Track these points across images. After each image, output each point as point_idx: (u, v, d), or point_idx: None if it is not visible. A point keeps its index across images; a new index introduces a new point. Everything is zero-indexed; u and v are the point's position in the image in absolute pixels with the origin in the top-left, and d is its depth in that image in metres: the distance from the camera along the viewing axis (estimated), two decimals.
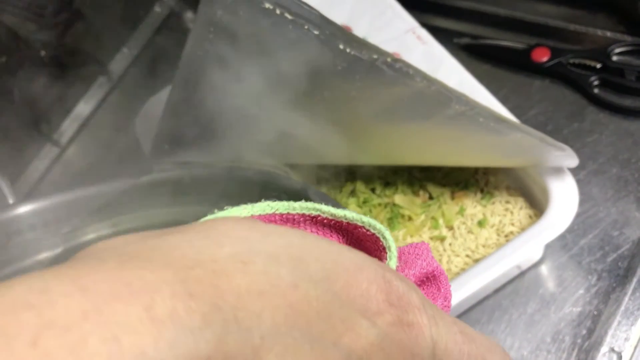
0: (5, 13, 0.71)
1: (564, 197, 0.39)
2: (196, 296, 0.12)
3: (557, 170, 0.40)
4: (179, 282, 0.12)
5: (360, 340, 0.14)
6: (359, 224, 0.19)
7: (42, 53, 0.73)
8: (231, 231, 0.15)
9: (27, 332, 0.10)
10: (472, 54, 0.55)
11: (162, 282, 0.12)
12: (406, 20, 0.49)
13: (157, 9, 0.76)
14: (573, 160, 0.38)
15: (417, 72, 0.34)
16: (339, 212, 0.19)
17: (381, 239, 0.19)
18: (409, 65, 0.33)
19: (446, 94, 0.34)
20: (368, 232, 0.19)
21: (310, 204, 0.19)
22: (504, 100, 0.51)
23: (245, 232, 0.15)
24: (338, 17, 0.52)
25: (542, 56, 0.51)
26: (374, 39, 0.50)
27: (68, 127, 0.71)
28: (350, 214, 0.19)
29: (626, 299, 0.41)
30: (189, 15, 0.76)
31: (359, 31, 0.51)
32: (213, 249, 0.14)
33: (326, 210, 0.19)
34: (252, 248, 0.14)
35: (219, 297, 0.12)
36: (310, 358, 0.13)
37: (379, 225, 0.19)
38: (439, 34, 0.52)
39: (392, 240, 0.19)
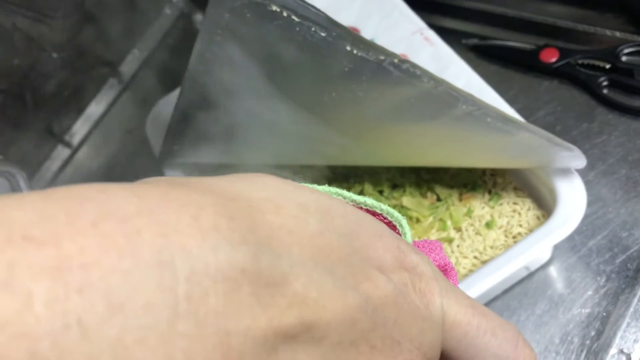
0: (18, 15, 0.72)
1: (572, 198, 0.39)
2: (236, 219, 0.13)
3: (565, 171, 0.40)
4: (221, 205, 0.13)
5: (378, 290, 0.15)
6: (378, 211, 0.20)
7: (54, 55, 0.74)
8: (267, 181, 0.16)
9: (89, 216, 0.12)
10: (480, 54, 0.55)
11: (206, 202, 0.13)
12: (414, 21, 0.49)
13: (167, 11, 0.77)
14: (581, 161, 0.38)
15: (424, 72, 0.34)
16: (360, 199, 0.20)
17: (398, 227, 0.20)
18: (415, 66, 0.34)
19: (453, 94, 0.34)
20: (385, 220, 0.20)
21: (333, 189, 0.20)
22: (512, 101, 0.51)
23: (279, 183, 0.16)
24: (345, 19, 0.52)
25: (550, 57, 0.51)
26: (382, 41, 0.50)
27: (79, 128, 0.72)
28: (370, 200, 0.20)
29: (635, 300, 0.41)
30: (198, 17, 0.76)
31: (367, 33, 0.51)
32: (250, 191, 0.15)
33: (348, 195, 0.20)
34: (285, 196, 0.15)
35: (255, 226, 0.14)
36: (332, 293, 0.14)
37: (396, 214, 0.20)
38: (447, 34, 0.52)
39: (408, 228, 0.20)
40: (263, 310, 0.13)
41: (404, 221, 0.20)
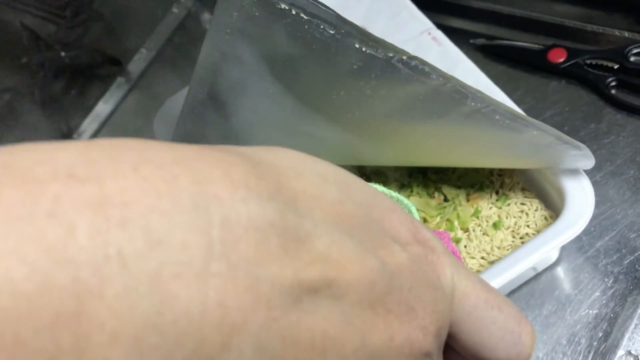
0: (26, 14, 0.72)
1: (580, 199, 0.38)
2: (263, 179, 0.14)
3: (573, 172, 0.40)
4: (250, 166, 0.14)
5: (394, 258, 0.16)
6: (388, 197, 0.20)
7: (62, 54, 0.74)
8: (289, 152, 0.17)
9: (129, 161, 0.12)
10: (488, 54, 0.55)
11: (236, 161, 0.14)
12: (422, 21, 0.49)
13: (174, 9, 0.77)
14: (589, 161, 0.38)
15: (433, 69, 0.34)
16: (372, 185, 0.20)
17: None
18: (424, 63, 0.34)
19: (462, 91, 0.34)
20: None
21: None
22: (519, 101, 0.51)
23: (300, 155, 0.17)
24: (353, 18, 0.52)
25: (558, 57, 0.51)
26: (389, 41, 0.50)
27: (87, 127, 0.72)
28: (380, 187, 0.20)
29: None
30: (206, 16, 0.77)
31: (374, 32, 0.51)
32: (273, 159, 0.15)
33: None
34: (306, 166, 0.16)
35: (280, 187, 0.14)
36: (352, 255, 0.14)
37: (406, 201, 0.20)
38: (454, 34, 0.52)
39: (417, 215, 0.20)
40: (289, 262, 0.13)
41: (413, 208, 0.20)
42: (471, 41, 0.55)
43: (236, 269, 0.12)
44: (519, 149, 0.38)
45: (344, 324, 0.14)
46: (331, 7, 0.53)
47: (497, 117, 0.35)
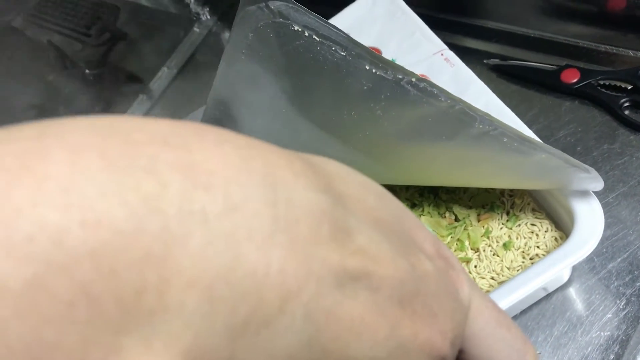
0: (54, 33, 0.74)
1: (590, 221, 0.39)
2: (318, 174, 0.15)
3: (583, 193, 0.40)
4: (306, 163, 0.15)
5: (422, 264, 0.17)
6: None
7: (87, 71, 0.76)
8: (333, 161, 0.18)
9: (212, 138, 0.14)
10: (501, 74, 0.55)
11: (295, 156, 0.15)
12: (434, 42, 0.50)
13: (196, 29, 0.79)
14: (598, 184, 0.38)
15: (442, 91, 0.34)
16: None
17: None
18: (433, 85, 0.34)
19: (470, 114, 0.34)
20: None
21: None
22: (532, 121, 0.51)
23: (342, 165, 0.18)
24: (367, 39, 0.53)
25: (571, 77, 0.51)
26: (402, 61, 0.51)
27: None
28: None
29: None
30: (226, 35, 0.78)
31: (388, 53, 0.52)
32: (321, 163, 0.17)
33: None
34: (349, 174, 0.18)
35: (331, 184, 0.16)
36: (387, 254, 0.16)
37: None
38: (469, 54, 0.52)
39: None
40: (337, 248, 0.14)
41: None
42: (485, 61, 0.56)
43: (295, 244, 0.14)
44: (527, 171, 0.38)
45: (378, 313, 0.15)
46: (346, 26, 0.54)
47: (505, 139, 0.35)
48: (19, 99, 0.70)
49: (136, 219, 0.12)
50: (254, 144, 0.15)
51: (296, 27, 0.36)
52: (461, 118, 0.35)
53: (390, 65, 0.35)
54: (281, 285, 0.13)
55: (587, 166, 0.37)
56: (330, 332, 0.14)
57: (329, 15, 0.54)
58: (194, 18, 0.79)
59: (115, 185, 0.12)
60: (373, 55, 0.34)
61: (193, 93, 0.76)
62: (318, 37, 0.36)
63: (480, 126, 0.35)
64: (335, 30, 0.35)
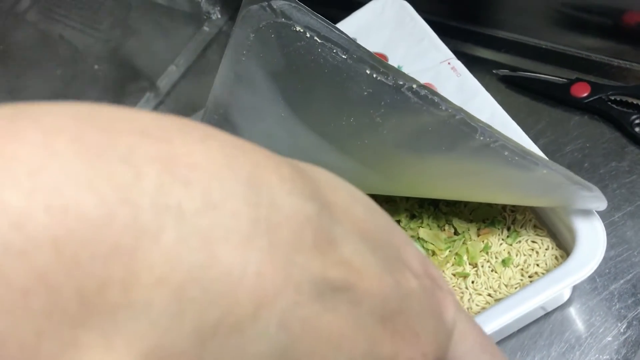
0: (67, 27, 0.74)
1: (591, 241, 0.37)
2: (306, 181, 0.15)
3: (586, 212, 0.38)
4: (294, 168, 0.15)
5: (407, 282, 0.17)
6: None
7: (96, 66, 0.76)
8: (324, 170, 0.18)
9: (197, 134, 0.14)
10: (510, 85, 0.54)
11: (284, 162, 0.15)
12: (442, 51, 0.49)
13: (206, 27, 0.78)
14: (602, 203, 0.37)
15: (443, 100, 0.33)
16: None
17: None
18: (434, 93, 0.33)
19: (471, 124, 0.33)
20: None
21: None
22: (540, 134, 0.50)
23: (333, 174, 0.18)
24: (374, 45, 0.52)
25: (581, 91, 0.50)
26: (409, 69, 0.50)
27: None
28: None
29: None
30: None
31: (394, 60, 0.51)
32: (312, 170, 0.17)
33: None
34: (339, 183, 0.17)
35: (319, 192, 0.15)
36: (371, 268, 0.15)
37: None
38: (478, 64, 0.51)
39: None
40: (319, 257, 0.14)
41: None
42: (494, 71, 0.55)
43: (275, 248, 0.13)
44: (528, 187, 0.37)
45: (358, 328, 0.15)
46: (354, 30, 0.53)
47: (506, 153, 0.34)
48: (27, 92, 0.70)
49: (106, 208, 0.11)
50: (242, 144, 0.14)
51: (298, 28, 0.35)
52: (461, 128, 0.34)
53: (392, 70, 0.34)
54: (256, 289, 0.13)
55: (590, 184, 0.36)
56: (306, 344, 0.14)
57: (338, 19, 0.53)
58: (205, 17, 0.79)
59: (87, 172, 0.11)
60: (374, 59, 0.34)
61: (200, 92, 0.75)
62: (319, 39, 0.35)
63: (481, 138, 0.34)
64: (338, 32, 0.35)
